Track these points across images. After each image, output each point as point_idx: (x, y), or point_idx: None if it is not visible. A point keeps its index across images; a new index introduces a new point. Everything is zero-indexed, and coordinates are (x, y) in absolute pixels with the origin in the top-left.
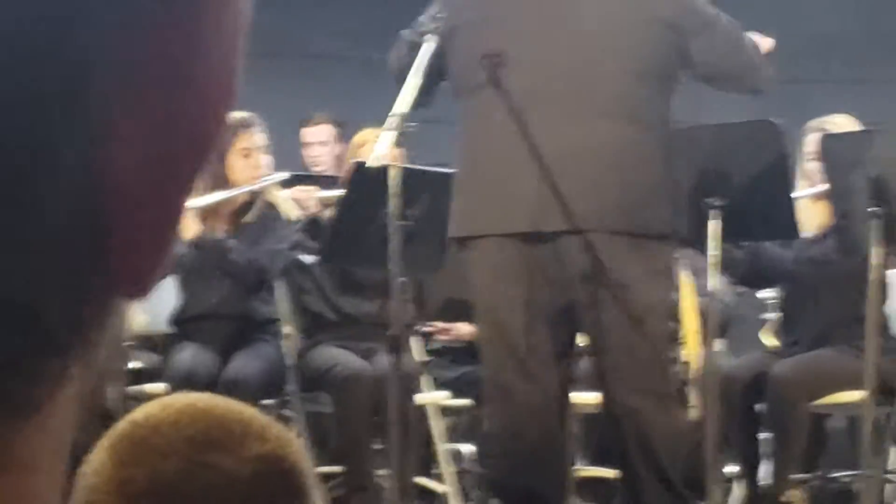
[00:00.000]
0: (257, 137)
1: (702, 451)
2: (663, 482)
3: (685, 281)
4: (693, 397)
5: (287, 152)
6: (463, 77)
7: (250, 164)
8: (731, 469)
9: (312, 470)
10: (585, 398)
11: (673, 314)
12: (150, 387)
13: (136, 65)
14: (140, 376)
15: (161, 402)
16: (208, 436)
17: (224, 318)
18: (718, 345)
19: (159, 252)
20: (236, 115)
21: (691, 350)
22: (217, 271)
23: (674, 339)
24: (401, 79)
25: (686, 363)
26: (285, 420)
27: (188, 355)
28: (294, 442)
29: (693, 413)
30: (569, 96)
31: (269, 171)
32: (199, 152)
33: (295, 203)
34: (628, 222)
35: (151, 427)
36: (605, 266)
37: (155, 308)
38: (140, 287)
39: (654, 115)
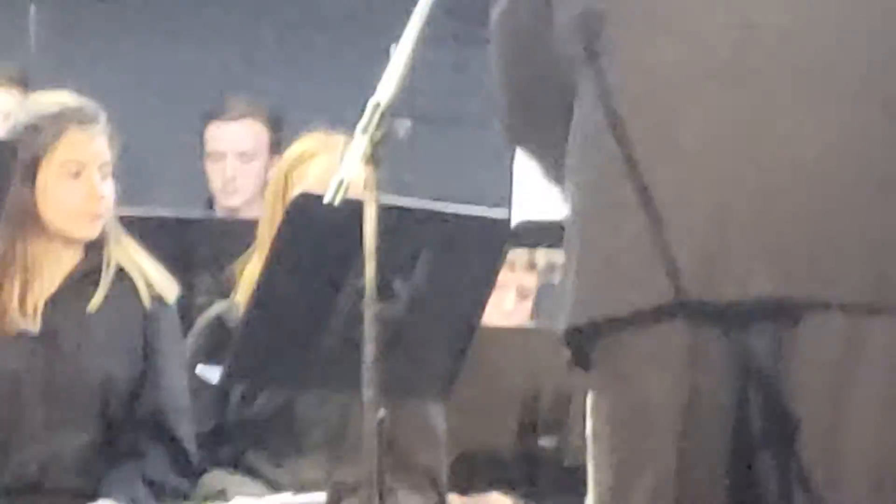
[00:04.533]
0: (97, 143)
1: None
2: None
3: None
4: None
5: (174, 170)
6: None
7: (82, 192)
8: None
9: None
10: None
11: None
12: None
13: None
14: None
15: None
16: None
17: (52, 494)
18: None
19: None
20: (57, 99)
21: None
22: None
23: None
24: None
25: None
26: None
27: None
28: None
29: None
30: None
31: (114, 208)
32: None
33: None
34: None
35: None
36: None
37: None
38: None
39: None
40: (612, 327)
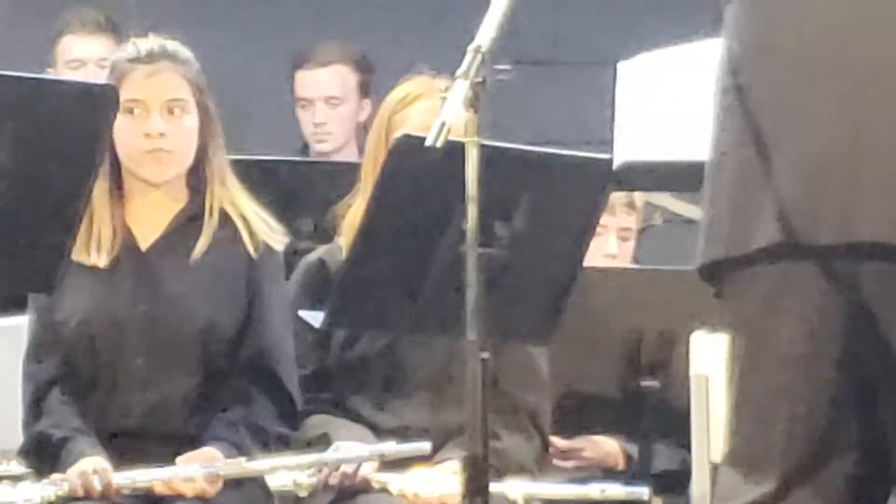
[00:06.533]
0: (160, 80)
1: None
2: None
3: None
4: None
5: (268, 117)
6: None
7: (135, 127)
8: None
9: None
10: None
11: None
12: None
13: None
14: None
15: None
16: None
17: (155, 439)
18: None
19: None
20: (133, 42)
21: None
22: (145, 351)
23: None
24: None
25: None
26: None
27: None
28: None
29: None
30: None
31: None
32: None
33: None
34: None
35: None
36: None
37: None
38: None
39: None
40: (731, 266)
